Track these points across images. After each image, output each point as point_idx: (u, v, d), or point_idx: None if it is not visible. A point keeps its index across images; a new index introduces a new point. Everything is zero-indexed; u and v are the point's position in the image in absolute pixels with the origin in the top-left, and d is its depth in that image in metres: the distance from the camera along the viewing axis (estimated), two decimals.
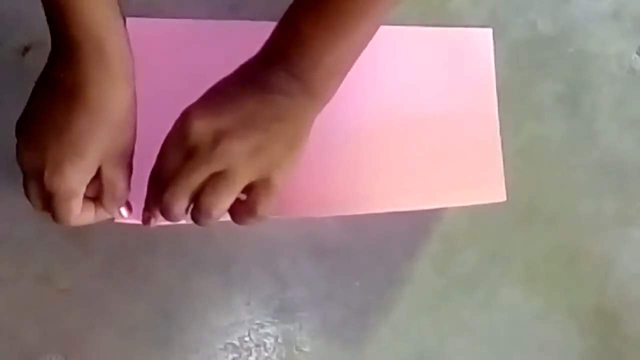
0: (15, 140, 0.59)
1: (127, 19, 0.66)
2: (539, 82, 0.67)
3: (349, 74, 0.64)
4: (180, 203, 0.55)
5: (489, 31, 0.68)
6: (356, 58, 0.59)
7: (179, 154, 0.56)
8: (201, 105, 0.57)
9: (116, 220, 0.60)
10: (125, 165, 0.56)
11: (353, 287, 0.63)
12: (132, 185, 0.61)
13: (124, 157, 0.56)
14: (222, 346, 0.62)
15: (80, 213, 0.55)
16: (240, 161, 0.55)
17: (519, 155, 0.66)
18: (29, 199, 0.56)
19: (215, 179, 0.55)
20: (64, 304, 0.62)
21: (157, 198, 0.56)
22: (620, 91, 0.68)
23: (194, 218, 0.56)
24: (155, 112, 0.65)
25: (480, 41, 0.68)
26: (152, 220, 0.59)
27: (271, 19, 0.67)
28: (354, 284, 0.64)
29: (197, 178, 0.55)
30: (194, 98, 0.64)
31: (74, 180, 0.53)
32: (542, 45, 0.68)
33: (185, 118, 0.57)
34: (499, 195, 0.64)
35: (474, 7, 0.69)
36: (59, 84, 0.53)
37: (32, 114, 0.55)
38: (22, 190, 0.63)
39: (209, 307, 0.63)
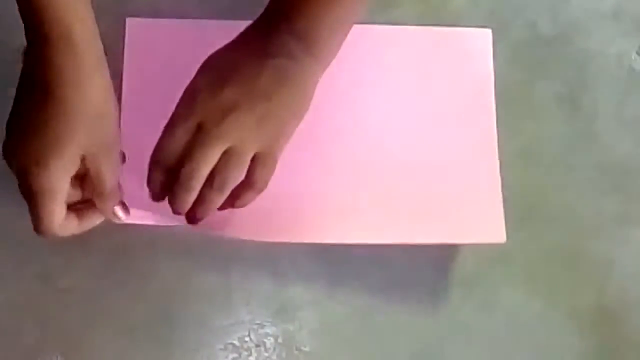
0: None
1: (127, 19, 0.66)
2: (539, 82, 0.67)
3: (345, 74, 0.64)
4: (200, 179, 0.56)
5: (488, 32, 0.68)
6: (356, 18, 0.60)
7: (187, 131, 0.56)
8: (204, 79, 0.57)
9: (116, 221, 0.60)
10: (111, 159, 0.55)
11: (353, 287, 0.63)
12: (133, 186, 0.61)
13: (109, 150, 0.55)
14: (222, 346, 0.62)
15: (64, 220, 0.54)
16: (248, 133, 0.56)
17: (519, 155, 0.66)
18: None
19: (227, 155, 0.56)
20: (63, 304, 0.62)
21: (162, 177, 0.57)
22: (620, 91, 0.68)
23: (202, 196, 0.57)
24: (154, 112, 0.65)
25: (479, 41, 0.68)
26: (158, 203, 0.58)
27: None
28: (354, 284, 0.63)
29: (212, 154, 0.56)
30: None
31: (54, 178, 0.52)
32: (542, 45, 0.68)
33: (190, 94, 0.57)
34: (498, 236, 0.63)
35: (473, 8, 0.69)
36: (33, 81, 0.53)
37: (14, 113, 0.54)
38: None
39: (209, 307, 0.63)
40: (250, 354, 0.62)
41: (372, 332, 0.63)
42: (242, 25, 0.65)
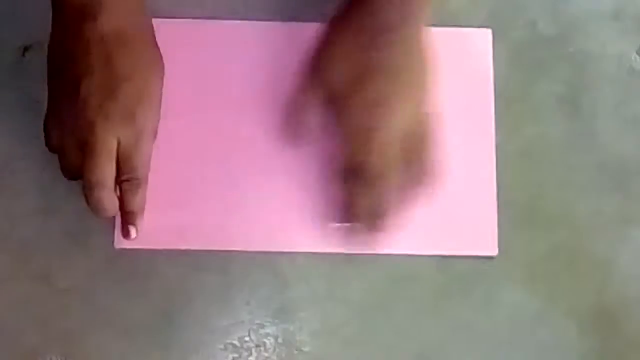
0: (13, 140, 0.59)
1: None
2: (539, 82, 0.67)
3: None
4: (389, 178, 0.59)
5: (488, 32, 0.68)
6: None
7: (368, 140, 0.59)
8: (339, 86, 0.59)
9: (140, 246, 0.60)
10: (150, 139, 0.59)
11: (353, 287, 0.63)
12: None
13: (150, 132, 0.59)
14: (222, 346, 0.62)
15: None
16: (402, 120, 0.59)
17: (519, 155, 0.66)
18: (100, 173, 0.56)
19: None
20: (64, 304, 0.62)
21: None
22: (620, 91, 0.68)
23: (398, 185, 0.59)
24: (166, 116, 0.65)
25: (479, 41, 0.68)
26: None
27: (272, 19, 0.67)
28: (354, 284, 0.63)
29: (394, 155, 0.58)
30: (193, 98, 0.64)
31: (111, 135, 0.56)
32: (542, 45, 0.68)
33: (341, 106, 0.59)
34: (490, 248, 0.64)
35: (473, 7, 0.69)
36: (92, 39, 0.56)
37: (72, 80, 0.56)
38: (22, 189, 0.63)
39: (209, 307, 0.63)
40: (250, 354, 0.62)
41: (372, 332, 0.63)
42: (243, 25, 0.65)
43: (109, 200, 0.57)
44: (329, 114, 0.60)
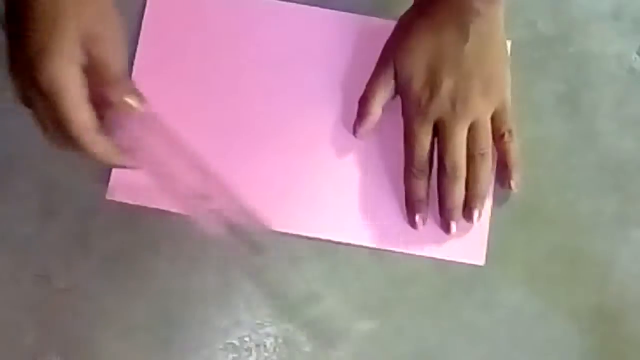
0: (13, 140, 0.59)
1: None
2: (539, 82, 0.67)
3: (339, 71, 0.65)
4: (463, 167, 0.62)
5: None
6: None
7: (429, 133, 0.62)
8: (416, 75, 0.61)
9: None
10: (114, 40, 0.52)
11: (353, 287, 0.63)
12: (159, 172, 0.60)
13: (109, 30, 0.52)
14: (222, 346, 0.62)
15: (89, 118, 0.50)
16: (480, 105, 0.62)
17: (518, 155, 0.66)
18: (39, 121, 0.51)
19: (474, 131, 0.62)
20: (64, 304, 0.62)
21: (425, 185, 0.63)
22: (620, 91, 0.68)
23: (474, 171, 0.62)
24: (167, 79, 0.64)
25: None
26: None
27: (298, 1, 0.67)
28: (354, 283, 0.63)
29: (462, 142, 0.62)
30: (205, 73, 0.64)
31: (60, 65, 0.48)
32: (542, 45, 0.68)
33: (414, 96, 0.61)
34: (478, 257, 0.63)
35: None
36: None
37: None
38: (22, 189, 0.63)
39: (209, 307, 0.63)
40: (250, 354, 0.62)
41: (372, 332, 0.63)
42: (265, 1, 0.65)
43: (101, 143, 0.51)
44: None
